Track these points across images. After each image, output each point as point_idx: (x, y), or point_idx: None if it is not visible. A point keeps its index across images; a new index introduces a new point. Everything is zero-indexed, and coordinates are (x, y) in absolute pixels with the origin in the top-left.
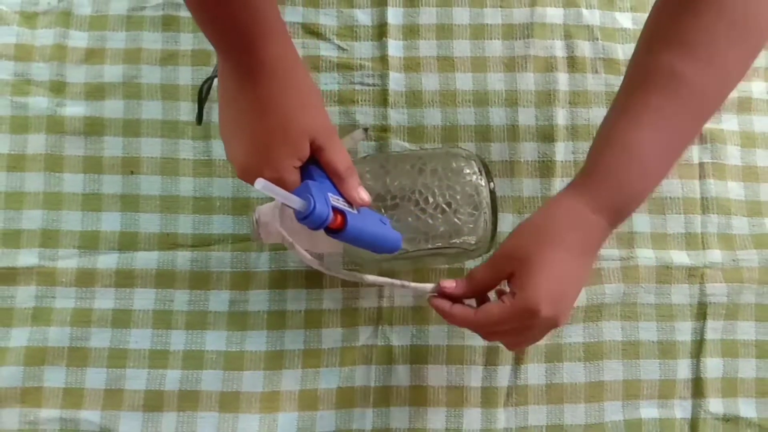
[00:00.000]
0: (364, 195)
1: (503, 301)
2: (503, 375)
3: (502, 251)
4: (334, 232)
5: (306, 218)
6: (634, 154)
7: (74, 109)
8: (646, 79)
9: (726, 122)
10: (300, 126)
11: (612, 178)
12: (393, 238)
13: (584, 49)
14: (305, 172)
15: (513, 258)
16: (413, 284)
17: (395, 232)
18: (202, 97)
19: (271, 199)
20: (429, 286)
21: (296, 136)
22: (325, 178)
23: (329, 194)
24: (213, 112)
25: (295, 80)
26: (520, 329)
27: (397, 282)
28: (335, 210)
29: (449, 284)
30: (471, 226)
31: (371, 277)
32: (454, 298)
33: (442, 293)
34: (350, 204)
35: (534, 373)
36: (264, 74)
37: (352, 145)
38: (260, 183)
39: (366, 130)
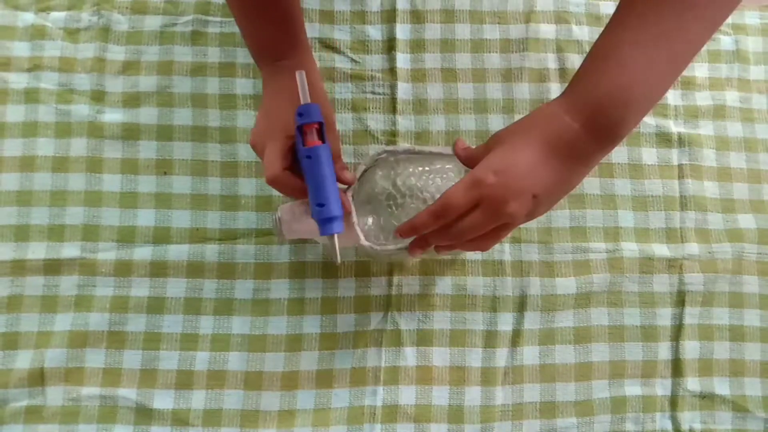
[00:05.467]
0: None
1: None
2: (501, 356)
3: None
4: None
5: (308, 105)
6: (611, 58)
7: (112, 116)
8: None
9: (702, 128)
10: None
11: (586, 79)
12: (339, 206)
13: (574, 61)
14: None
15: (482, 153)
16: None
17: (341, 210)
18: None
19: (290, 200)
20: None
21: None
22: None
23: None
24: (237, 118)
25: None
26: (479, 209)
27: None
28: (320, 134)
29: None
30: None
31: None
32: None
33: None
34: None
35: (529, 354)
36: (280, 74)
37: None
38: (299, 74)
39: None
